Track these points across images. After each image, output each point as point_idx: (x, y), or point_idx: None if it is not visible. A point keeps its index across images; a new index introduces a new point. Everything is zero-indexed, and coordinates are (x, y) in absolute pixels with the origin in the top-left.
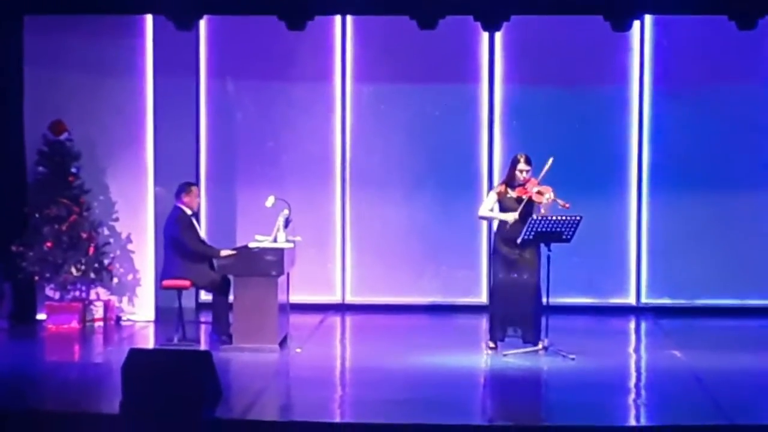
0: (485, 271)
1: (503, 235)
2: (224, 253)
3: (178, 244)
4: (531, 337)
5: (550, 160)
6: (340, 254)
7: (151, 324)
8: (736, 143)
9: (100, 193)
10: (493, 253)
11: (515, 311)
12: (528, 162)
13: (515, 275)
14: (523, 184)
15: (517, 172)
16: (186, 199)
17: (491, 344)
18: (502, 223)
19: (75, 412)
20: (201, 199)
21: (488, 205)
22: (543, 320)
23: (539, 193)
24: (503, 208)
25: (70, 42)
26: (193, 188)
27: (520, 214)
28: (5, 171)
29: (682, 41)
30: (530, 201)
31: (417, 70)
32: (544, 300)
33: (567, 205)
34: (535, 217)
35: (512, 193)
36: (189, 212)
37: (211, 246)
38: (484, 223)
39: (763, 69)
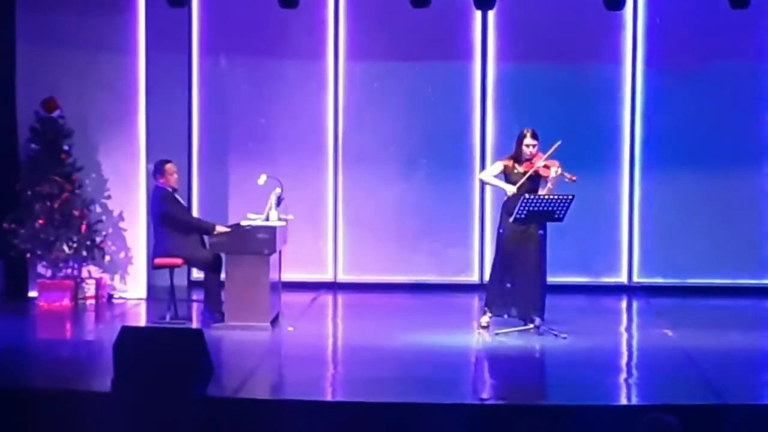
0: (478, 249)
1: (507, 211)
2: (219, 229)
3: (170, 219)
4: (530, 314)
5: (558, 143)
6: (332, 232)
7: (142, 302)
8: (729, 122)
9: (93, 170)
10: (499, 226)
11: (517, 287)
12: (534, 136)
13: (517, 252)
14: (530, 159)
15: (524, 147)
16: (162, 179)
17: (484, 321)
18: (508, 198)
19: (66, 390)
20: (179, 175)
21: (492, 171)
22: (545, 298)
23: (546, 167)
24: (510, 183)
25: (63, 19)
26: (168, 165)
27: (523, 188)
28: None
29: (675, 19)
30: (537, 175)
31: (410, 48)
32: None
33: (574, 178)
34: (542, 191)
35: (519, 168)
36: (170, 189)
37: (205, 220)
38: (476, 202)
39: (755, 47)
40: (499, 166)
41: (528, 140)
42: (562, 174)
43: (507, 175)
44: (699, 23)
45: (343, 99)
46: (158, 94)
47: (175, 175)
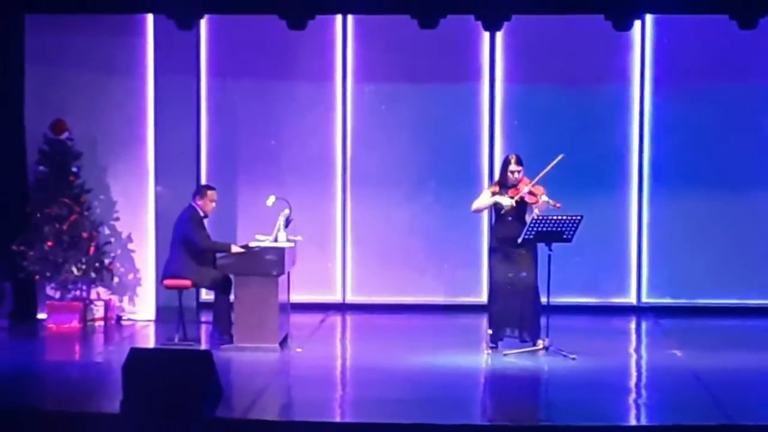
0: (486, 270)
1: (499, 234)
2: (235, 249)
3: (188, 242)
4: (528, 336)
5: (560, 157)
6: (341, 254)
7: (151, 323)
8: (737, 142)
9: (101, 192)
10: (490, 253)
11: (513, 310)
12: (519, 162)
13: (512, 274)
14: (515, 185)
15: (509, 173)
16: (200, 201)
17: (491, 344)
18: (498, 221)
19: (76, 412)
20: (215, 204)
21: (483, 200)
22: (542, 319)
23: (531, 193)
24: (496, 210)
25: (71, 41)
26: (209, 192)
27: (510, 214)
28: (6, 170)
29: (683, 40)
30: (522, 201)
31: (418, 69)
32: (544, 299)
33: (558, 205)
34: (528, 217)
35: (505, 194)
36: (201, 213)
37: (222, 242)
38: (485, 223)
39: (763, 68)
40: (487, 194)
41: (513, 166)
42: (547, 201)
43: (494, 203)
44: (707, 44)
45: (352, 121)
46: (167, 116)
47: (213, 204)
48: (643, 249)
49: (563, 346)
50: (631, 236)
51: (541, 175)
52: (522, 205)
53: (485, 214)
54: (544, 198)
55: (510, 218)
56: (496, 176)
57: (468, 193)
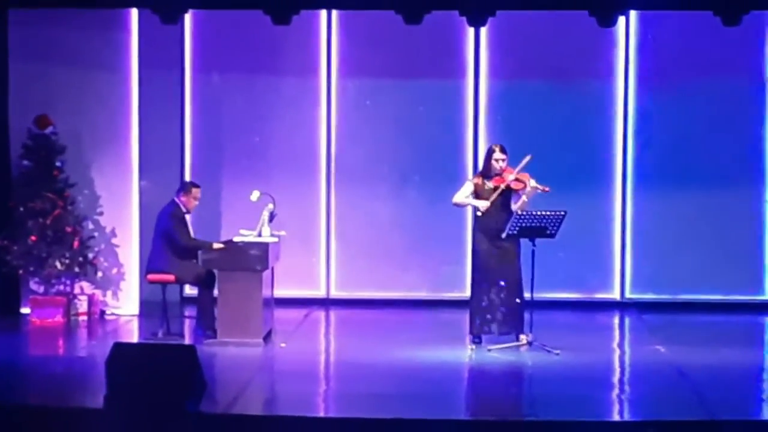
0: (470, 265)
1: (481, 228)
2: (216, 245)
3: (169, 238)
4: (510, 329)
5: (528, 158)
6: (325, 249)
7: (135, 318)
8: (721, 138)
9: (85, 187)
10: (473, 245)
11: (496, 303)
12: (503, 151)
13: (495, 268)
14: (499, 174)
15: (493, 162)
16: (184, 197)
17: (475, 339)
18: (478, 215)
19: (59, 407)
20: (197, 202)
21: (464, 192)
22: (526, 314)
23: (517, 180)
24: (482, 199)
25: (55, 36)
26: (194, 189)
27: (495, 203)
28: None
29: (667, 37)
30: (508, 189)
31: (402, 65)
32: (527, 295)
33: (547, 189)
34: (514, 206)
35: (489, 184)
36: (183, 209)
37: (203, 240)
38: (469, 218)
39: (747, 64)
40: (469, 186)
41: (497, 155)
42: (536, 186)
43: (478, 193)
44: (691, 40)
45: (336, 116)
46: (151, 110)
47: (196, 202)
48: (626, 244)
49: (547, 341)
50: (615, 232)
51: (523, 163)
52: (508, 194)
53: (469, 208)
54: (533, 183)
55: (495, 208)
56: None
57: (452, 189)
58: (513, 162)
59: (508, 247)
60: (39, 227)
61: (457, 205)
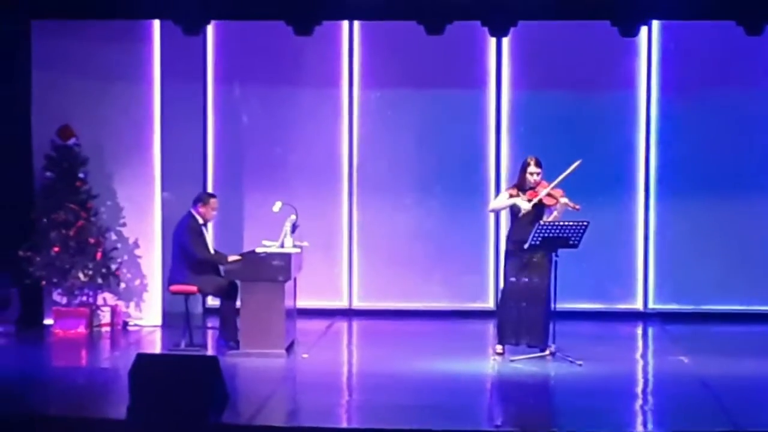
0: (492, 276)
1: (515, 237)
2: (231, 258)
3: (186, 252)
4: (537, 342)
5: (578, 162)
6: (347, 259)
7: (158, 329)
8: (744, 148)
9: (108, 198)
10: (505, 256)
11: (522, 317)
12: (538, 164)
13: (526, 279)
14: (533, 187)
15: (528, 175)
16: (202, 208)
17: (498, 349)
18: (514, 223)
19: (82, 417)
20: (215, 212)
21: (502, 198)
22: (551, 326)
23: (550, 195)
24: (513, 212)
25: (78, 47)
26: (212, 200)
27: (528, 216)
28: (13, 176)
29: (689, 46)
30: (541, 203)
31: (424, 75)
32: (552, 305)
33: (578, 207)
34: (544, 220)
35: (523, 197)
36: (201, 221)
37: (219, 253)
38: (491, 228)
39: None
40: (504, 195)
41: (532, 168)
42: (566, 203)
43: (512, 205)
44: (713, 50)
45: (358, 127)
46: (173, 122)
47: (215, 212)
48: (649, 255)
49: (570, 352)
50: (638, 242)
51: (560, 178)
52: (540, 208)
53: (503, 216)
54: (564, 200)
55: (527, 221)
56: (504, 180)
57: (474, 199)
58: (548, 169)
59: (539, 258)
60: (62, 238)
61: (493, 210)
